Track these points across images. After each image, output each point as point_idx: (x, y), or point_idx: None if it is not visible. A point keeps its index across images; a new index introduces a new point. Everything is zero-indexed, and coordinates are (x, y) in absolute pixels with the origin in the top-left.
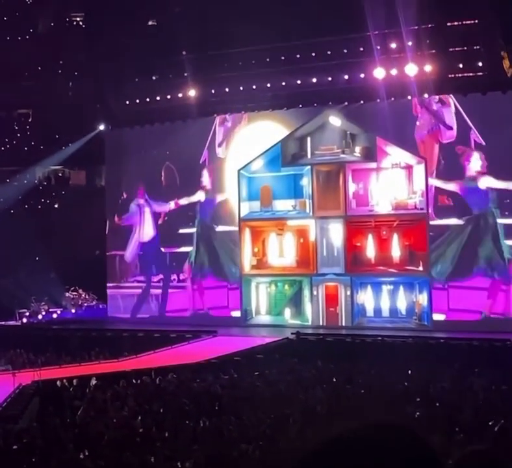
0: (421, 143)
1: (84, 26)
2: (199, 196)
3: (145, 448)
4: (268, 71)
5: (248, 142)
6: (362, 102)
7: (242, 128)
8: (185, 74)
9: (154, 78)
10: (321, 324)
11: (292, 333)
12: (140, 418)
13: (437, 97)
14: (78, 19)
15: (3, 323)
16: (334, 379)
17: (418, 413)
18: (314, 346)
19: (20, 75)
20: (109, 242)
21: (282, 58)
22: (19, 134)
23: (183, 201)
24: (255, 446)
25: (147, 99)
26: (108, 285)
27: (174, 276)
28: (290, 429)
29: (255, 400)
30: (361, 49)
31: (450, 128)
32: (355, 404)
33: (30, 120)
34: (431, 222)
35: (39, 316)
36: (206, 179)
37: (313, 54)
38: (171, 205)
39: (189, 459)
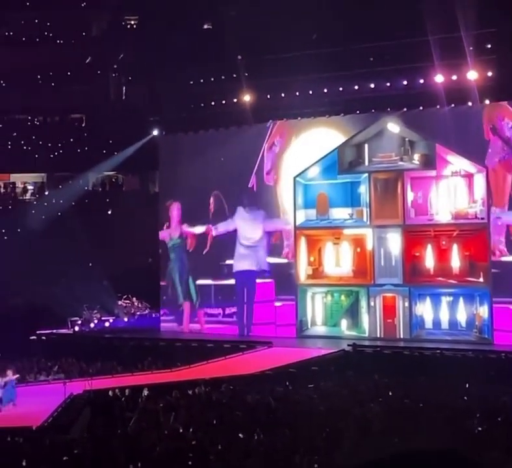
0: (492, 172)
1: (138, 29)
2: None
3: (198, 461)
4: (325, 77)
5: (296, 163)
6: (421, 108)
7: (291, 147)
8: (240, 79)
9: (209, 82)
10: (378, 335)
11: (348, 345)
12: (192, 430)
13: (511, 122)
14: (132, 22)
15: (55, 331)
16: (391, 393)
17: (478, 429)
18: (370, 358)
19: (73, 80)
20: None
21: (340, 63)
22: (72, 140)
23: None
24: (309, 460)
25: (202, 104)
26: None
27: (219, 311)
28: (344, 443)
29: (309, 413)
30: (420, 53)
31: None
32: (413, 419)
33: (83, 125)
34: (503, 258)
35: (92, 325)
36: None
37: (371, 59)
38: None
39: None
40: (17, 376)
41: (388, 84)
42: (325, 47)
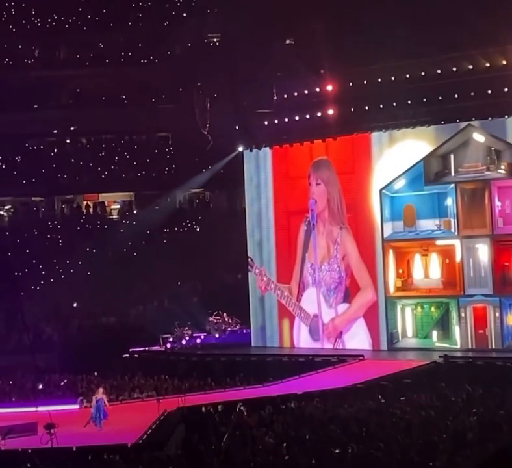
0: None
1: (221, 47)
2: None
3: None
4: (409, 87)
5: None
6: (506, 117)
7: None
8: (325, 92)
9: (292, 97)
10: (470, 346)
11: (439, 357)
12: (286, 444)
13: None
14: (215, 39)
15: (148, 349)
16: (485, 405)
17: None
18: (463, 370)
19: (158, 99)
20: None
21: (422, 73)
22: (159, 158)
23: None
24: None
25: (286, 119)
26: None
27: None
28: (439, 456)
29: (403, 426)
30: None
31: None
32: (508, 431)
33: (170, 143)
34: None
35: (183, 342)
36: None
37: (454, 68)
38: None
39: None
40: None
41: (472, 93)
42: (406, 59)
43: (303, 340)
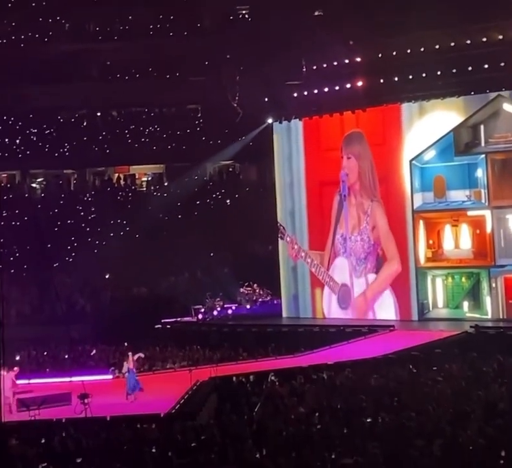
0: None
1: (249, 19)
2: None
3: (324, 444)
4: (439, 58)
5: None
6: None
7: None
8: (354, 64)
9: (321, 69)
10: (501, 317)
11: (470, 327)
12: (317, 414)
13: None
14: (244, 12)
15: (179, 319)
16: None
17: None
18: (494, 339)
19: (188, 71)
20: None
21: (452, 43)
22: (189, 130)
23: None
24: (435, 443)
25: (315, 91)
26: None
27: None
28: (470, 426)
29: (434, 396)
30: None
31: None
32: None
33: (199, 115)
34: None
35: (215, 313)
36: None
37: (484, 39)
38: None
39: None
40: (138, 356)
41: (502, 64)
42: (437, 29)
43: (333, 309)
